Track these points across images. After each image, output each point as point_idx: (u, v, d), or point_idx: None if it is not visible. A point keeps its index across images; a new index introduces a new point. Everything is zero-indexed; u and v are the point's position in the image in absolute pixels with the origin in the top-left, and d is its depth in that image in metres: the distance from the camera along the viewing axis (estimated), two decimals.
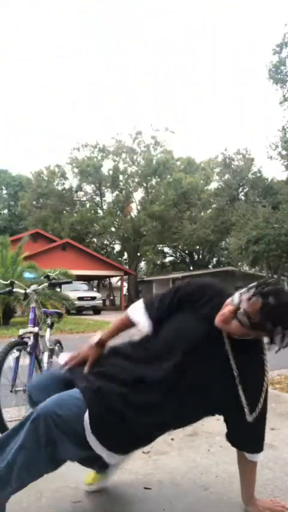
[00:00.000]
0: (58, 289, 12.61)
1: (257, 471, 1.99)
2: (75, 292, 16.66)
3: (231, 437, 1.59)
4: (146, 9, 73.25)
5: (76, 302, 16.09)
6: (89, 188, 37.09)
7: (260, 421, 1.51)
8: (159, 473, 1.98)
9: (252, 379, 1.47)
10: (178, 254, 38.22)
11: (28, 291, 2.91)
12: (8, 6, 68.48)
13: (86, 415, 1.33)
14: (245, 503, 1.64)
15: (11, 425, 2.36)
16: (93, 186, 36.46)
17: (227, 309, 1.38)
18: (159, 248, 35.19)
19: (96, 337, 1.59)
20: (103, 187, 36.02)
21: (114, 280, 34.42)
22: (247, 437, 1.54)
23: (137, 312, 1.59)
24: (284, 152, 22.32)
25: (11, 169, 47.73)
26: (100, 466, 1.61)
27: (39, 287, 2.99)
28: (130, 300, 26.14)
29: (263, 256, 22.15)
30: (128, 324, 1.62)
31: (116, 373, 1.42)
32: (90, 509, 1.68)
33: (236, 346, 1.44)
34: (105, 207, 36.20)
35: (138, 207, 35.48)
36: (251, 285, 1.41)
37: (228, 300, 1.41)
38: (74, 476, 1.96)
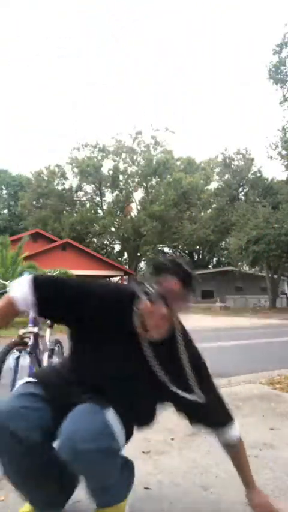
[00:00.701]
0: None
1: (257, 471, 2.00)
2: None
3: (203, 421, 1.51)
4: (146, 9, 73.39)
5: None
6: (89, 188, 37.16)
7: (215, 395, 1.48)
8: (159, 473, 1.98)
9: (175, 366, 1.40)
10: (178, 254, 38.22)
11: None
12: (8, 6, 68.49)
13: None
14: (247, 497, 1.55)
15: None
16: (93, 186, 36.49)
17: (158, 314, 1.28)
18: (159, 248, 35.22)
19: None
20: (103, 187, 36.05)
21: (114, 280, 34.46)
22: (215, 413, 1.48)
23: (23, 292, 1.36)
24: (284, 152, 22.34)
25: (11, 169, 47.80)
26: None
27: None
28: None
29: (263, 256, 22.17)
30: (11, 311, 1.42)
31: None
32: (91, 509, 1.67)
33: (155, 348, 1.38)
34: (105, 207, 36.24)
35: (138, 207, 35.52)
36: (140, 290, 1.31)
37: (145, 307, 1.29)
38: None
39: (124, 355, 1.37)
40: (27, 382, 1.44)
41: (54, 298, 1.37)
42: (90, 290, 1.38)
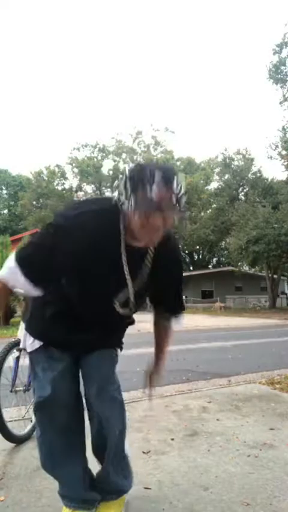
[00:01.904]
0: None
1: (257, 471, 2.00)
2: None
3: (165, 306, 1.61)
4: (146, 9, 73.32)
5: None
6: (89, 188, 37.11)
7: (177, 292, 1.59)
8: (159, 473, 1.99)
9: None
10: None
11: None
12: (8, 7, 68.52)
13: None
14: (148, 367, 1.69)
15: (11, 425, 2.37)
16: (93, 186, 36.48)
17: (152, 228, 1.23)
18: None
19: None
20: (103, 187, 36.03)
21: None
22: (171, 304, 1.60)
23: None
24: (284, 152, 22.33)
25: (11, 169, 47.80)
26: None
27: None
28: None
29: (263, 256, 22.16)
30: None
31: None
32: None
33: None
34: None
35: None
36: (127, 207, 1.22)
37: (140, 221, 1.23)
38: None
39: (109, 270, 1.37)
40: (38, 351, 1.48)
41: (42, 268, 1.35)
42: (68, 228, 1.32)
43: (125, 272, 1.37)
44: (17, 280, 1.35)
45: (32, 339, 1.50)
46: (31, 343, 1.50)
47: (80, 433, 1.54)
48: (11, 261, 1.36)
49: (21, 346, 1.56)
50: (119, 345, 1.62)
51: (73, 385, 1.51)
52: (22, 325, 1.62)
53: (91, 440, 1.59)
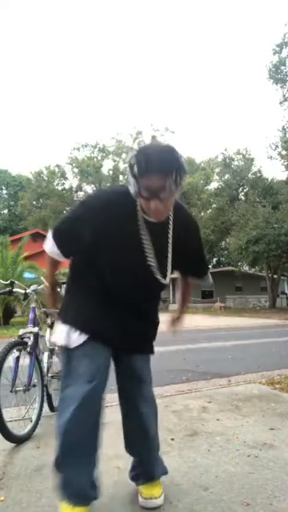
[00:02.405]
0: (58, 289, 12.59)
1: (257, 471, 2.00)
2: None
3: (195, 271, 1.78)
4: (146, 9, 73.32)
5: None
6: (89, 188, 37.13)
7: (200, 256, 1.76)
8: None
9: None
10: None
11: (28, 291, 2.91)
12: (8, 7, 68.53)
13: None
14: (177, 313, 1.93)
15: (11, 425, 2.37)
16: (93, 186, 36.49)
17: (155, 210, 1.40)
18: None
19: (44, 285, 1.70)
20: (103, 187, 36.04)
21: None
22: (197, 268, 1.78)
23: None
24: (284, 152, 22.33)
25: (11, 169, 47.81)
26: None
27: (39, 287, 2.99)
28: None
29: (263, 256, 22.16)
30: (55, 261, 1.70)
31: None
32: (90, 509, 1.67)
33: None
34: None
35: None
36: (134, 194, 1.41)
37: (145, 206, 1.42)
38: None
39: (130, 247, 1.52)
40: (83, 344, 1.53)
41: (74, 243, 1.56)
42: (93, 211, 1.50)
43: (145, 245, 1.51)
44: (54, 252, 1.60)
45: (77, 333, 1.54)
46: (77, 337, 1.53)
47: (100, 429, 1.56)
48: (49, 232, 1.59)
49: (61, 343, 1.56)
50: (152, 350, 1.76)
51: (106, 381, 1.57)
52: (58, 326, 1.63)
53: (127, 434, 1.76)
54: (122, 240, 1.50)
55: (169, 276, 1.60)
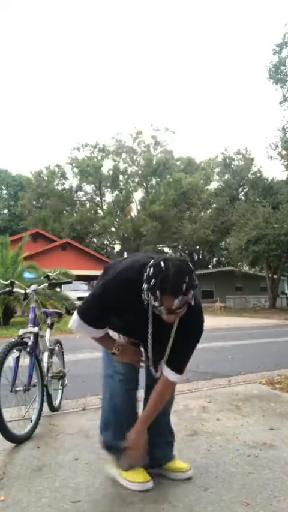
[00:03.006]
0: (58, 289, 12.61)
1: (257, 471, 2.00)
2: (75, 292, 16.64)
3: (170, 360, 1.84)
4: (146, 9, 73.30)
5: (76, 302, 16.08)
6: (89, 188, 37.16)
7: (186, 353, 1.88)
8: (159, 473, 1.99)
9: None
10: (178, 254, 38.12)
11: (28, 291, 2.91)
12: (8, 7, 68.48)
13: None
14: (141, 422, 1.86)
15: (11, 425, 2.37)
16: (93, 186, 36.51)
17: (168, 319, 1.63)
18: (159, 248, 35.19)
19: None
20: (103, 187, 36.06)
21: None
22: (181, 360, 1.87)
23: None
24: (284, 152, 22.33)
25: (11, 169, 47.80)
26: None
27: (39, 287, 2.99)
28: None
29: (263, 256, 22.15)
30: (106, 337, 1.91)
31: None
32: (90, 509, 1.68)
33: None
34: (105, 207, 36.22)
35: (138, 207, 35.52)
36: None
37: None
38: (73, 476, 1.97)
39: (140, 320, 1.76)
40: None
41: (97, 318, 1.83)
42: (109, 294, 1.74)
43: (149, 331, 1.74)
44: (85, 329, 1.82)
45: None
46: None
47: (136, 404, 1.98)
48: (75, 314, 1.83)
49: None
50: None
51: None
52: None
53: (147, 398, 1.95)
54: (133, 319, 1.77)
55: (160, 370, 1.84)
